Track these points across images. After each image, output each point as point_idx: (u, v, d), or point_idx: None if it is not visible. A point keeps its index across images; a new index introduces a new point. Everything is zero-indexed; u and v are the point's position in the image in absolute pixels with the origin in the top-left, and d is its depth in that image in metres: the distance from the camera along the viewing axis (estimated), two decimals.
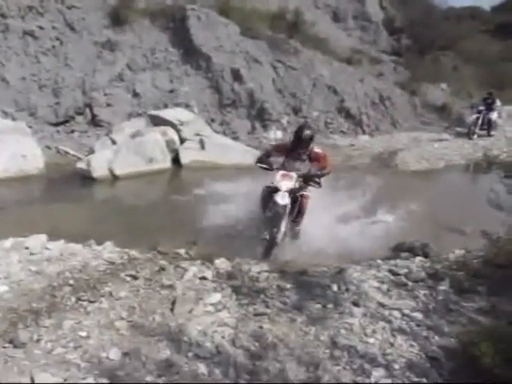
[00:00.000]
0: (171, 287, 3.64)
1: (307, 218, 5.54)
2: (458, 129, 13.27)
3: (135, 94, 12.05)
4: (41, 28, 12.23)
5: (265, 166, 5.17)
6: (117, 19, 12.80)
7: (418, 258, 5.02)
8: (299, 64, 12.96)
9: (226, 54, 12.54)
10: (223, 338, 3.05)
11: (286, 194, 4.89)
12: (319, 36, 15.50)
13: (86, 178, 8.93)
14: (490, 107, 12.96)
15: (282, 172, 5.05)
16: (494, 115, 12.98)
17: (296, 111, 12.47)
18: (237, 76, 12.25)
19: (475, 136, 12.62)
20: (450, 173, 9.64)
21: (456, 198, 7.63)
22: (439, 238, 5.94)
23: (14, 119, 10.96)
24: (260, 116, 12.13)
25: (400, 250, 5.66)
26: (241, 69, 12.30)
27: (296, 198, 5.11)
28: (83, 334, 2.91)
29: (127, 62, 12.35)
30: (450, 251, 5.23)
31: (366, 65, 15.48)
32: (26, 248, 4.05)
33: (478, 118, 12.84)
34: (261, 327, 3.22)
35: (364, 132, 12.52)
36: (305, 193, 5.22)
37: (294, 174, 5.00)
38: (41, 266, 3.73)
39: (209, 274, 3.89)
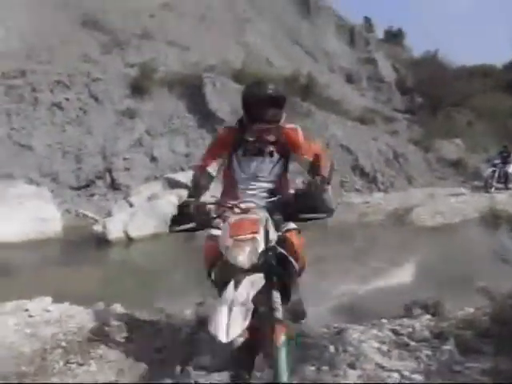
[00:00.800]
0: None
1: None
2: (475, 183, 13.21)
3: (153, 159, 12.46)
4: (67, 100, 13.00)
5: (187, 227, 2.74)
6: (137, 89, 13.50)
7: (426, 317, 4.85)
8: (313, 125, 13.24)
9: None
10: None
11: (245, 296, 2.21)
12: (333, 97, 15.92)
13: (102, 241, 9.11)
14: (505, 160, 12.99)
15: (232, 220, 2.50)
16: (510, 168, 12.94)
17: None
18: None
19: (493, 189, 12.52)
20: (465, 228, 9.47)
21: (470, 254, 7.46)
22: (453, 295, 5.78)
23: (37, 184, 11.44)
24: None
25: (412, 308, 5.51)
26: None
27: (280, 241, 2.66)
28: None
29: (146, 129, 12.88)
30: (459, 309, 5.07)
31: (379, 123, 15.73)
32: (26, 310, 4.11)
33: (494, 172, 12.82)
34: None
35: (379, 189, 12.52)
36: (292, 228, 2.86)
37: (260, 215, 2.52)
38: (37, 329, 3.77)
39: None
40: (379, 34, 28.25)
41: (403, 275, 6.87)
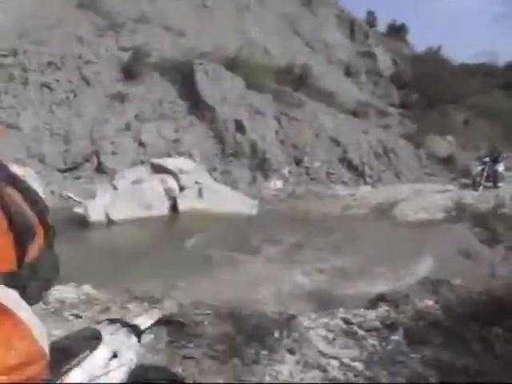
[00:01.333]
0: None
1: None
2: (464, 180, 13.15)
3: (141, 143, 12.42)
4: (57, 81, 12.93)
5: None
6: (129, 73, 13.43)
7: (384, 308, 4.85)
8: (303, 115, 13.22)
9: (231, 106, 12.91)
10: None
11: None
12: (327, 89, 15.84)
13: (83, 223, 9.11)
14: (495, 159, 12.96)
15: None
16: (500, 167, 12.93)
17: (298, 161, 12.59)
18: (240, 127, 12.55)
19: (481, 187, 12.53)
20: (448, 223, 9.42)
21: (445, 248, 7.45)
22: (420, 289, 5.77)
23: (24, 165, 11.42)
24: (261, 166, 12.29)
25: (380, 300, 5.50)
26: (244, 120, 12.61)
27: None
28: None
29: (135, 113, 12.83)
30: (419, 301, 5.07)
31: (372, 117, 15.67)
32: None
33: (483, 170, 12.83)
34: (183, 370, 3.14)
35: (366, 183, 12.49)
36: None
37: None
38: None
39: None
40: (382, 28, 28.09)
41: (378, 266, 6.87)
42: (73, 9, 15.46)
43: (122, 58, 13.77)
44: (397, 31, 27.82)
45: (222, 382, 3.10)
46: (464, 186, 12.72)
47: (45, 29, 14.31)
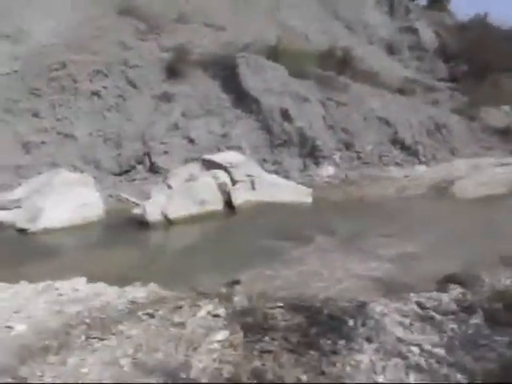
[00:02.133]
0: (182, 325, 3.67)
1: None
2: None
3: (190, 141, 12.60)
4: (105, 88, 13.31)
5: None
6: (173, 72, 13.62)
7: (458, 290, 4.69)
8: (349, 99, 12.96)
9: (275, 96, 12.85)
10: (221, 374, 3.01)
11: None
12: (371, 70, 15.45)
13: (142, 224, 9.35)
14: None
15: None
16: None
17: (348, 146, 12.39)
18: (286, 116, 12.47)
19: None
20: (510, 198, 9.02)
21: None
22: (493, 268, 5.53)
23: (81, 172, 11.85)
24: (311, 153, 12.18)
25: (449, 281, 5.32)
26: (290, 108, 12.52)
27: None
28: (84, 370, 3.01)
29: (182, 111, 13.01)
30: (496, 281, 4.87)
31: (420, 94, 15.13)
32: (56, 289, 4.30)
33: None
34: (263, 365, 3.15)
35: (420, 162, 12.11)
36: None
37: None
38: (64, 307, 3.94)
39: (222, 311, 3.88)
40: (423, 1, 27.05)
41: (439, 248, 6.66)
42: (114, 16, 15.82)
43: (165, 58, 13.97)
44: (437, 1, 26.73)
45: (302, 374, 3.09)
46: None
47: (89, 38, 14.73)
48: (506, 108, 13.87)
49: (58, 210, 9.49)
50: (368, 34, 20.04)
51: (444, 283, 5.31)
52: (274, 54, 14.16)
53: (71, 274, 5.41)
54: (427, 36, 19.64)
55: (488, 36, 18.20)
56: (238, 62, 13.32)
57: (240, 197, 10.34)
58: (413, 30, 19.74)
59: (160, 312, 3.99)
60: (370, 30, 20.28)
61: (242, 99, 13.04)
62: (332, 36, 17.44)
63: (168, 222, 9.53)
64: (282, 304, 4.11)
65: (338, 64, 14.37)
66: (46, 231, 8.90)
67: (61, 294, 4.22)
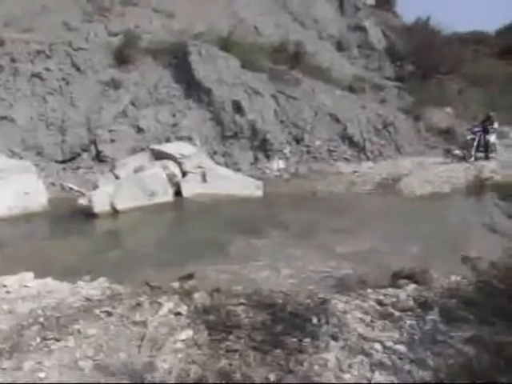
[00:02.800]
0: (143, 323, 3.54)
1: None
2: (456, 152, 13.08)
3: (139, 130, 12.23)
4: (48, 70, 12.61)
5: None
6: (121, 58, 13.13)
7: (412, 286, 4.83)
8: (300, 94, 13.06)
9: (227, 87, 12.72)
10: (188, 375, 2.93)
11: None
12: (322, 66, 15.64)
13: (88, 214, 8.98)
14: (487, 129, 12.88)
15: None
16: (491, 137, 12.86)
17: (298, 140, 12.49)
18: (238, 108, 12.39)
19: (472, 158, 12.46)
20: (454, 196, 9.45)
21: (459, 222, 7.46)
22: (441, 263, 5.75)
23: (21, 158, 11.20)
24: (262, 147, 12.18)
25: (399, 277, 5.48)
26: (242, 101, 12.44)
27: None
28: (42, 375, 2.83)
29: (131, 99, 12.59)
30: (445, 278, 5.06)
31: (368, 92, 15.52)
32: (4, 286, 4.02)
33: (473, 140, 12.75)
34: (230, 364, 3.09)
35: (368, 158, 12.43)
36: None
37: None
38: (14, 305, 3.69)
39: (184, 309, 3.78)
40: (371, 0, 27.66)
41: (390, 244, 6.85)
42: None
43: (113, 43, 13.44)
44: (385, 2, 27.45)
45: (269, 373, 3.06)
46: (457, 158, 12.68)
47: (30, 16, 13.90)
48: (448, 109, 14.52)
49: None
50: (318, 30, 20.25)
51: (395, 279, 5.48)
52: (226, 45, 13.99)
53: (16, 269, 5.09)
54: (375, 35, 20.14)
55: (432, 39, 18.92)
56: (189, 51, 13.04)
57: (190, 189, 10.18)
58: (361, 29, 20.17)
59: (118, 310, 3.83)
60: (320, 25, 20.49)
61: (193, 89, 12.80)
62: (283, 30, 17.46)
63: (115, 213, 9.22)
64: (244, 301, 4.06)
65: (290, 58, 14.44)
66: None
67: (9, 292, 3.95)
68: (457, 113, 15.14)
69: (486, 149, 12.83)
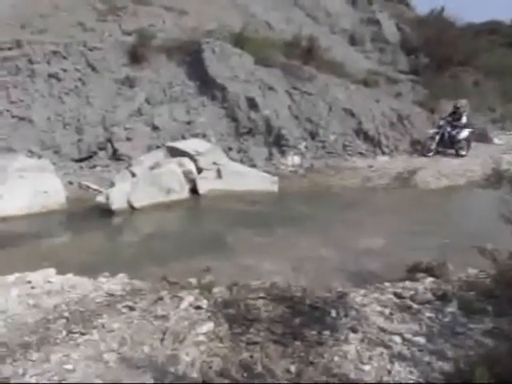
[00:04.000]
0: (165, 317, 3.61)
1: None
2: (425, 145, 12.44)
3: (154, 127, 12.31)
4: (64, 70, 12.75)
5: None
6: (135, 57, 13.22)
7: (429, 279, 4.85)
8: (314, 89, 13.02)
9: (241, 84, 12.74)
10: (210, 368, 2.99)
11: None
12: (335, 60, 15.57)
13: (106, 211, 9.09)
14: (455, 123, 12.28)
15: None
16: (461, 133, 12.22)
17: (313, 136, 12.46)
18: (252, 104, 12.40)
19: (431, 153, 11.99)
20: (470, 189, 9.38)
21: (475, 215, 7.42)
22: (459, 256, 5.73)
23: (39, 157, 11.36)
24: (277, 142, 12.18)
25: (416, 270, 5.48)
26: (256, 97, 12.45)
27: None
28: (69, 367, 2.91)
29: (146, 97, 12.67)
30: (463, 271, 5.06)
31: (383, 86, 15.41)
32: (29, 282, 4.12)
33: (436, 133, 12.16)
34: (251, 357, 3.15)
35: (383, 153, 12.35)
36: None
37: None
38: (39, 300, 3.78)
39: (204, 303, 3.85)
40: None
41: (406, 238, 6.85)
42: None
43: (127, 41, 13.53)
44: None
45: (290, 365, 3.10)
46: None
47: (43, 17, 14.07)
48: (463, 101, 14.36)
49: (16, 197, 9.07)
50: (330, 24, 20.16)
51: (412, 272, 5.48)
52: (238, 41, 13.99)
53: (37, 265, 5.21)
54: (389, 28, 19.97)
55: (446, 31, 18.73)
56: (202, 48, 13.08)
57: (206, 185, 10.24)
58: (375, 22, 20.00)
59: (140, 304, 3.91)
60: (333, 19, 20.39)
61: (208, 86, 12.84)
62: (295, 25, 17.40)
63: (132, 211, 9.32)
64: (262, 295, 4.11)
65: (304, 53, 14.39)
66: (4, 219, 8.50)
67: (34, 287, 4.05)
68: (472, 105, 14.96)
69: (453, 144, 12.22)
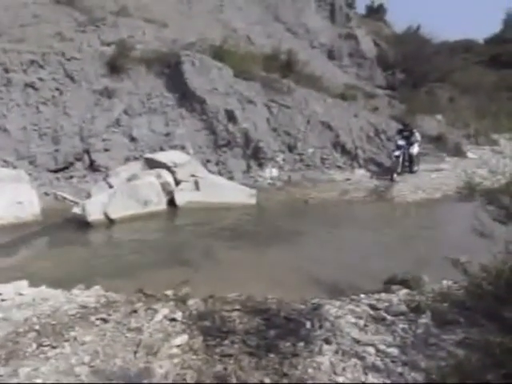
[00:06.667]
0: (139, 330, 3.57)
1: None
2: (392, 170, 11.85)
3: (132, 139, 12.24)
4: (41, 80, 12.60)
5: None
6: (114, 68, 13.16)
7: (404, 291, 4.91)
8: (293, 102, 13.16)
9: (220, 96, 12.79)
10: (184, 380, 2.96)
11: None
12: (314, 74, 15.79)
13: (82, 223, 8.97)
14: (409, 140, 12.09)
15: None
16: (414, 149, 12.06)
17: (291, 149, 12.56)
18: (231, 117, 12.45)
19: (395, 175, 11.44)
20: (445, 202, 9.56)
21: (449, 227, 7.54)
22: (435, 268, 5.81)
23: (14, 167, 11.17)
24: (255, 155, 12.23)
25: (392, 282, 5.54)
26: (235, 110, 12.51)
27: None
28: (38, 381, 2.84)
29: (124, 108, 12.61)
30: (437, 282, 5.13)
31: (360, 100, 15.69)
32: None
33: (399, 156, 11.81)
34: (225, 369, 3.13)
35: (360, 166, 12.51)
36: None
37: None
38: (9, 313, 3.70)
39: (179, 315, 3.81)
40: (361, 9, 28.10)
41: (382, 250, 6.93)
42: (50, 5, 15.09)
43: (106, 52, 13.48)
44: (375, 12, 27.86)
45: (264, 377, 3.09)
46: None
47: (21, 26, 13.94)
48: (439, 117, 14.67)
49: None
50: (310, 39, 20.48)
51: (388, 284, 5.54)
52: (218, 54, 14.08)
53: (9, 277, 5.10)
54: (366, 44, 20.40)
55: (422, 48, 19.21)
56: (182, 60, 13.11)
57: (184, 197, 10.20)
58: (353, 37, 20.40)
59: (114, 316, 3.86)
60: (312, 34, 20.73)
61: (187, 98, 12.85)
62: (275, 39, 17.63)
63: (109, 222, 9.22)
64: (238, 307, 4.10)
65: (283, 67, 14.57)
66: None
67: (4, 300, 3.96)
68: (448, 120, 15.31)
69: (411, 162, 12.04)
